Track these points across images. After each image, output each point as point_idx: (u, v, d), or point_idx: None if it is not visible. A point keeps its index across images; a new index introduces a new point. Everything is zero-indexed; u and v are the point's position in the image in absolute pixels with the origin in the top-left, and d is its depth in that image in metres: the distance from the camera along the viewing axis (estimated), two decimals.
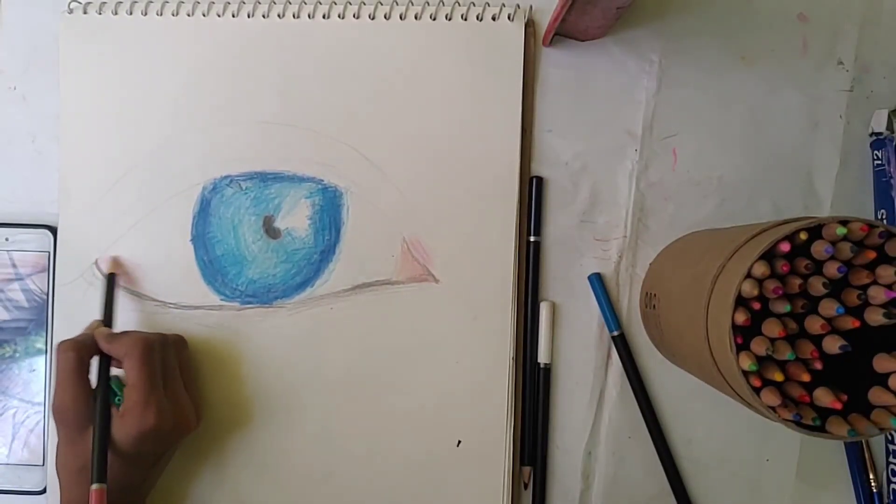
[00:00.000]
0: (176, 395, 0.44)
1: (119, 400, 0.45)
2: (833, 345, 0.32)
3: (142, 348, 0.42)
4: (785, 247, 0.33)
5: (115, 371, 0.44)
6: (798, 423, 0.33)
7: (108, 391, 0.43)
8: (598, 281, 0.48)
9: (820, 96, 0.49)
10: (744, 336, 0.33)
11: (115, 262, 0.48)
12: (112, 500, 0.39)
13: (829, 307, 0.33)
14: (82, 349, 0.43)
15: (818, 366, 0.33)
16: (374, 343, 0.48)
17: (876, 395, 0.33)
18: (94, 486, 0.39)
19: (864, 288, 0.33)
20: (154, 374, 0.42)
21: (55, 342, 0.48)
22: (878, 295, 0.33)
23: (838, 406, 0.32)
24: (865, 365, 0.34)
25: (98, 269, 0.48)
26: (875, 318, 0.33)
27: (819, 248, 0.33)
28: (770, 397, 0.32)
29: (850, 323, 0.33)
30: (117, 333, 0.44)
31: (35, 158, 0.51)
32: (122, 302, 0.49)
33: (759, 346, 0.33)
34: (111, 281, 0.48)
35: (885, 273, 0.33)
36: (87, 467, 0.40)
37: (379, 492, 0.48)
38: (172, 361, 0.45)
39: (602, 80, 0.49)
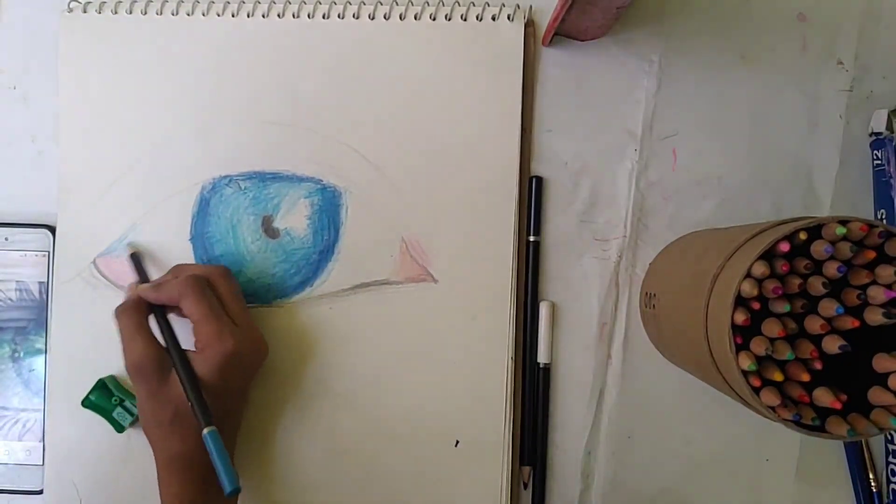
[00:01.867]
0: (243, 320, 0.44)
1: (129, 422, 0.46)
2: (833, 345, 0.32)
3: (193, 283, 0.42)
4: (784, 247, 0.33)
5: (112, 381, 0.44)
6: (798, 423, 0.33)
7: (175, 339, 0.43)
8: None
9: (820, 96, 0.49)
10: (743, 336, 0.33)
11: (132, 245, 0.49)
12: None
13: (829, 307, 0.33)
14: (137, 308, 0.43)
15: (818, 365, 0.33)
16: (373, 343, 0.48)
17: (875, 394, 0.33)
18: (206, 430, 0.39)
19: (864, 288, 0.33)
20: (213, 303, 0.42)
21: (54, 342, 0.49)
22: (877, 295, 0.33)
23: (838, 406, 0.32)
24: (865, 365, 0.34)
25: (125, 254, 0.48)
26: (874, 317, 0.33)
27: (819, 248, 0.33)
28: (770, 397, 0.32)
29: (850, 323, 0.33)
30: (161, 281, 0.45)
31: (35, 158, 0.51)
32: (122, 301, 0.49)
33: (758, 346, 0.33)
34: (136, 259, 0.48)
35: (885, 273, 0.33)
36: (179, 415, 0.40)
37: (378, 492, 0.48)
38: (225, 290, 0.44)
39: (602, 80, 0.49)
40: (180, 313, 0.44)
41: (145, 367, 0.41)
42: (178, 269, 0.46)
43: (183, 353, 0.42)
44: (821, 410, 0.33)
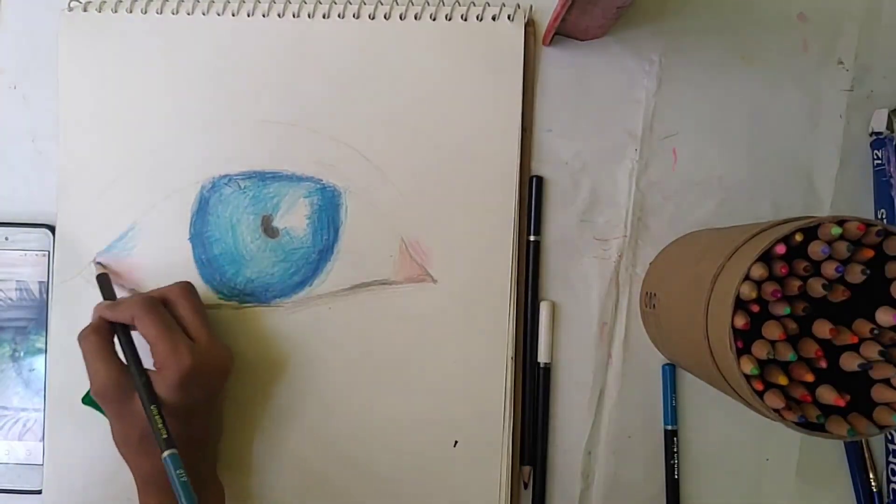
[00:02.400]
0: (201, 337, 0.44)
1: None
2: (852, 363, 0.32)
3: (144, 303, 0.42)
4: (780, 249, 0.33)
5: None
6: (801, 424, 0.33)
7: (137, 357, 0.43)
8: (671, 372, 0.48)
9: (820, 96, 0.49)
10: (745, 336, 0.33)
11: (99, 265, 0.49)
12: (184, 460, 0.40)
13: (864, 327, 0.33)
14: (99, 330, 0.43)
15: (823, 364, 0.33)
16: (372, 343, 0.48)
17: (879, 392, 0.33)
18: (165, 454, 0.39)
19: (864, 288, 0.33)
20: (167, 321, 0.42)
21: (54, 341, 0.49)
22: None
23: (842, 403, 0.32)
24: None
25: (93, 274, 0.48)
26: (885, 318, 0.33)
27: (815, 249, 0.33)
28: (774, 400, 0.32)
29: (850, 338, 0.33)
30: (117, 301, 0.45)
31: (35, 158, 0.51)
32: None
33: (760, 350, 0.33)
34: (104, 280, 0.48)
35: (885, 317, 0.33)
36: (145, 437, 0.41)
37: (377, 492, 0.48)
38: (183, 309, 0.44)
39: (602, 79, 0.49)
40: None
41: (108, 391, 0.41)
42: (136, 292, 0.47)
43: (144, 374, 0.42)
44: (824, 408, 0.33)
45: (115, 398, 0.42)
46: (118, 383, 0.41)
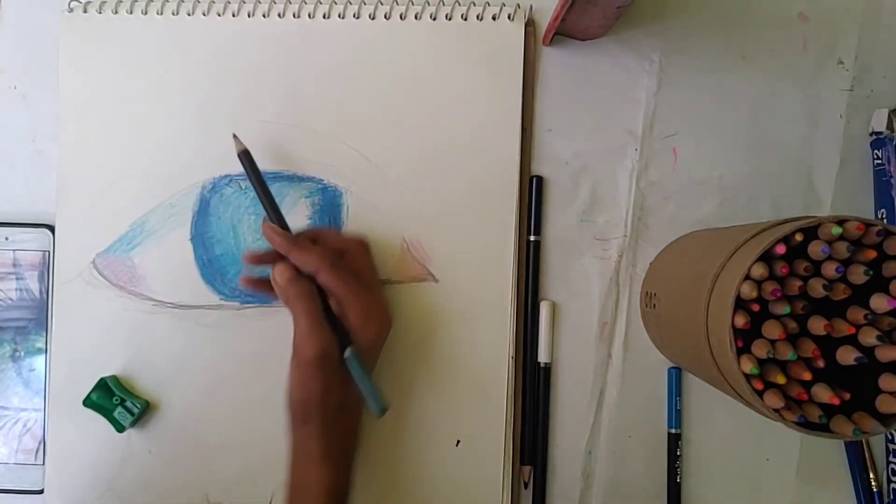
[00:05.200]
0: (380, 292, 0.44)
1: (130, 422, 0.46)
2: (848, 356, 0.32)
3: (328, 259, 0.41)
4: (780, 249, 0.33)
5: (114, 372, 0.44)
6: (802, 424, 0.33)
7: (338, 320, 0.42)
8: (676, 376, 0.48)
9: (820, 95, 0.49)
10: (745, 335, 0.33)
11: (239, 141, 0.45)
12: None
13: (858, 314, 0.33)
14: (309, 286, 0.41)
15: (821, 364, 0.33)
16: None
17: (886, 381, 0.33)
18: (348, 352, 0.40)
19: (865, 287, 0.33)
20: (356, 276, 0.42)
21: (55, 342, 0.49)
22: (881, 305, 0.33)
23: (836, 402, 0.32)
24: (869, 362, 0.33)
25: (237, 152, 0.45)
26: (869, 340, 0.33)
27: (816, 249, 0.33)
28: (773, 399, 0.32)
29: (847, 329, 0.33)
30: (296, 245, 0.42)
31: (35, 158, 0.51)
32: (121, 301, 0.49)
33: (760, 350, 0.33)
34: (248, 160, 0.45)
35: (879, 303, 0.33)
36: (345, 402, 0.41)
37: (379, 490, 0.48)
38: (362, 263, 0.44)
39: (602, 79, 0.49)
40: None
41: (328, 357, 0.40)
42: (316, 234, 0.45)
43: (347, 334, 0.41)
44: (826, 408, 0.33)
45: (332, 366, 0.40)
46: (335, 349, 0.40)
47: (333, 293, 0.42)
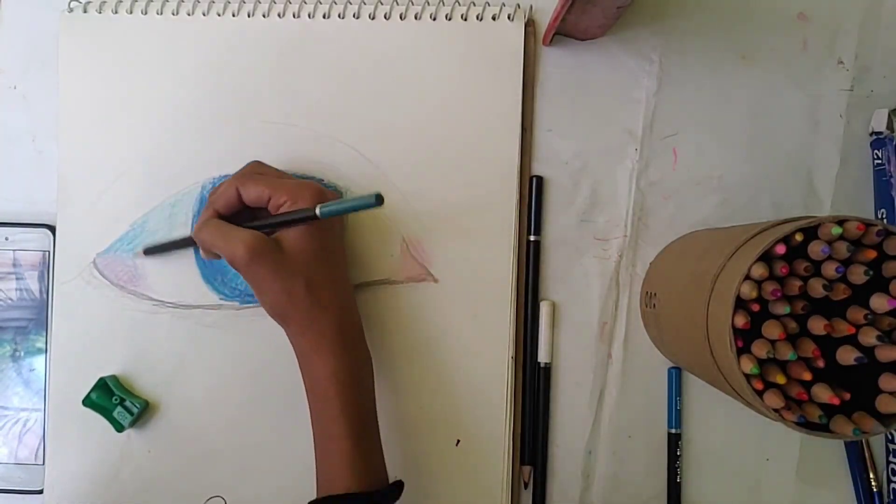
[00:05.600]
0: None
1: (129, 422, 0.46)
2: (848, 356, 0.32)
3: (244, 171, 0.43)
4: (780, 249, 0.33)
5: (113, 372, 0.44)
6: (802, 425, 0.33)
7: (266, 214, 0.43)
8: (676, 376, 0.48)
9: (820, 95, 0.49)
10: (745, 335, 0.33)
11: (139, 250, 0.48)
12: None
13: (859, 314, 0.33)
14: (211, 219, 0.43)
15: (821, 364, 0.33)
16: (374, 342, 0.48)
17: (886, 381, 0.33)
18: (318, 209, 0.39)
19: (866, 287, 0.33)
20: (274, 176, 0.44)
21: (55, 342, 0.49)
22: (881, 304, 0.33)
23: (836, 402, 0.32)
24: (869, 362, 0.33)
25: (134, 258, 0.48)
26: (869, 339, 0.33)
27: (816, 249, 0.33)
28: (773, 400, 0.32)
29: (847, 329, 0.33)
30: (211, 198, 0.44)
31: (35, 158, 0.51)
32: (121, 301, 0.49)
33: (760, 350, 0.33)
34: (155, 250, 0.48)
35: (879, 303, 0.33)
36: (312, 284, 0.41)
37: None
38: (273, 171, 0.46)
39: (602, 79, 0.49)
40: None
41: (259, 245, 0.40)
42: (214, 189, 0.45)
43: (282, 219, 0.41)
44: (826, 408, 0.33)
45: (269, 252, 0.40)
46: (263, 238, 0.40)
47: (258, 199, 0.42)
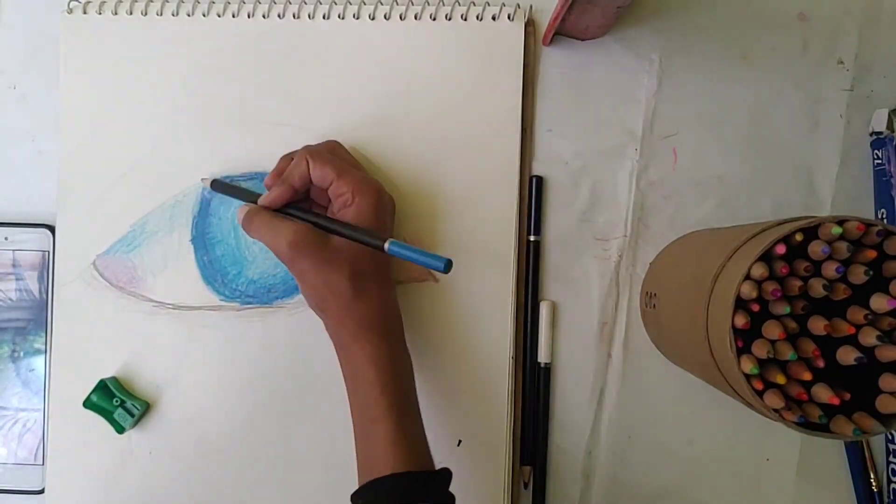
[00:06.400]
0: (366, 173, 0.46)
1: (130, 423, 0.46)
2: (848, 356, 0.32)
3: (312, 151, 0.43)
4: (780, 249, 0.33)
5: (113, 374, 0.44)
6: (802, 425, 0.33)
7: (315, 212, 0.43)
8: None
9: (820, 96, 0.49)
10: (745, 335, 0.33)
11: (205, 180, 0.48)
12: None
13: (858, 314, 0.33)
14: (262, 210, 0.43)
15: (821, 364, 0.33)
16: None
17: (886, 381, 0.33)
18: (387, 244, 0.39)
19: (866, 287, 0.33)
20: (339, 160, 0.44)
21: (55, 343, 0.49)
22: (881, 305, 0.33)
23: (836, 402, 0.32)
24: (869, 362, 0.33)
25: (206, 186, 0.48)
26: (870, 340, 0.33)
27: (816, 249, 0.33)
28: (773, 400, 0.32)
29: (847, 329, 0.33)
30: (279, 171, 0.44)
31: (35, 158, 0.51)
32: (121, 302, 0.49)
33: (760, 350, 0.33)
34: (220, 185, 0.47)
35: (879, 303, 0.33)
36: (356, 273, 0.41)
37: None
38: (343, 153, 0.46)
39: (602, 79, 0.49)
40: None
41: (303, 240, 0.40)
42: (287, 156, 0.46)
43: (332, 218, 0.42)
44: (826, 408, 0.33)
45: (313, 244, 0.40)
46: (309, 230, 0.41)
47: (323, 182, 0.42)
